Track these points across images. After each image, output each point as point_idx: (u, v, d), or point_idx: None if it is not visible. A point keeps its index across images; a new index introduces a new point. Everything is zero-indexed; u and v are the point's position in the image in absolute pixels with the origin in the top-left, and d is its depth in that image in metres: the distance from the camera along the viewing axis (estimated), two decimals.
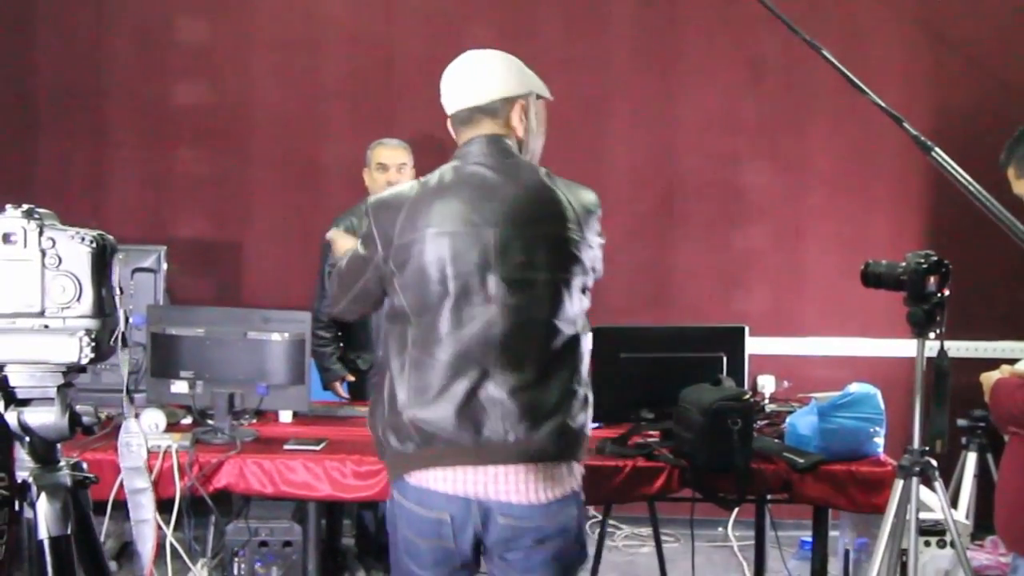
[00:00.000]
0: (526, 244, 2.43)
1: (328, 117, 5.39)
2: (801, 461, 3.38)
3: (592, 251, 2.54)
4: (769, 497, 3.67)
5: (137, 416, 3.60)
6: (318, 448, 3.48)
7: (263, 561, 3.73)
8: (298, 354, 3.65)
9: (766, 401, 4.15)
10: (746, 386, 3.82)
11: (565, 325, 2.46)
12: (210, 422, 3.63)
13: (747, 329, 3.85)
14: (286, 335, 3.64)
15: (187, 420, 3.80)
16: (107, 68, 5.42)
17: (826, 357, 5.52)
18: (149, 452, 3.29)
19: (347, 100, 5.43)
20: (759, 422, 3.85)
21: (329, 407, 4.28)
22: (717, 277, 5.57)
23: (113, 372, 3.78)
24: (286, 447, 3.49)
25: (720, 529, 5.37)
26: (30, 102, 5.41)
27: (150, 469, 3.28)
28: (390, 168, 4.48)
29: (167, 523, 3.29)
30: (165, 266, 3.88)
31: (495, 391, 2.37)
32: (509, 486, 2.38)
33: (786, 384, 5.42)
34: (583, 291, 2.52)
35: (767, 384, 5.41)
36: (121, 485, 3.28)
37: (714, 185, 5.56)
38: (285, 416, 3.97)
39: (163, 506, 3.31)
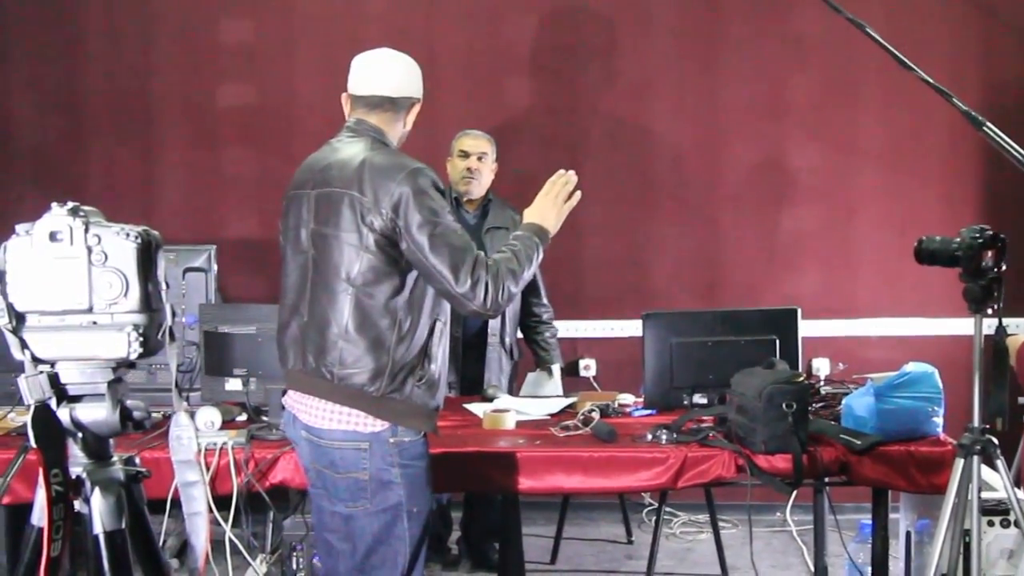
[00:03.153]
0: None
1: None
2: (859, 443, 3.32)
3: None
4: (827, 480, 3.63)
5: (192, 415, 3.65)
6: None
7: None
8: None
9: (821, 383, 4.09)
10: (800, 369, 3.77)
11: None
12: (265, 418, 3.65)
13: (799, 311, 3.80)
14: None
15: (242, 417, 3.82)
16: (154, 71, 5.47)
17: (881, 338, 5.45)
18: (206, 450, 3.35)
19: None
20: (814, 405, 3.80)
21: None
22: (768, 260, 5.51)
23: (167, 371, 3.82)
24: None
25: (778, 514, 5.32)
26: (80, 106, 5.47)
27: (207, 466, 3.32)
28: (471, 156, 4.53)
29: (225, 519, 3.32)
30: (215, 265, 3.91)
31: None
32: None
33: (841, 366, 5.33)
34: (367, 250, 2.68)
35: (822, 366, 5.31)
36: None
37: (762, 167, 5.50)
38: None
39: (221, 503, 3.33)
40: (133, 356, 2.04)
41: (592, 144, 5.45)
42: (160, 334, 2.09)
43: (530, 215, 2.93)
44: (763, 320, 3.79)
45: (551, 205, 2.93)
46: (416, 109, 2.95)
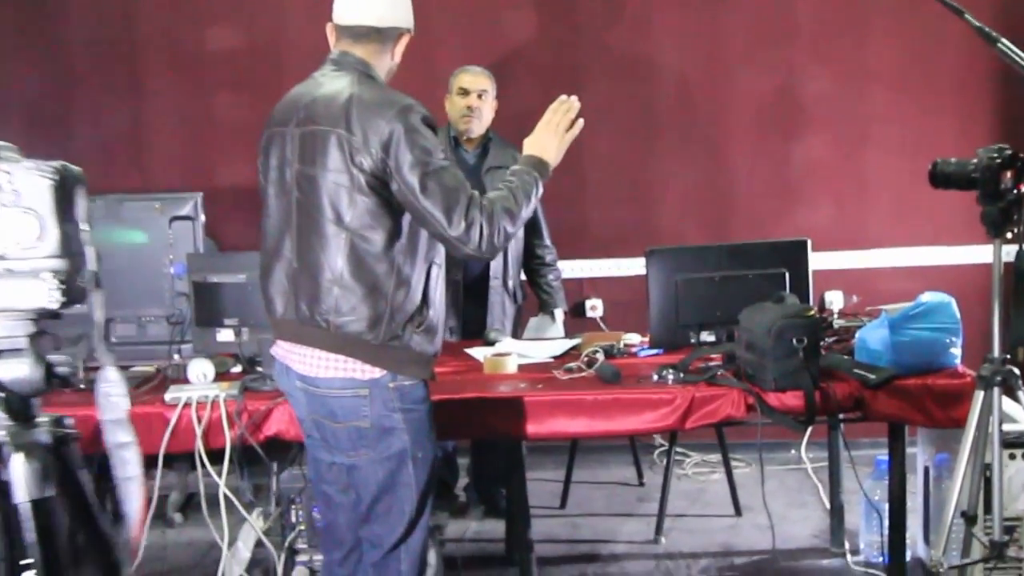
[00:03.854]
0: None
1: None
2: (873, 377, 3.20)
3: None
4: (841, 417, 3.51)
5: (184, 367, 3.55)
6: None
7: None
8: None
9: (835, 317, 3.95)
10: (811, 303, 3.64)
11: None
12: (259, 369, 3.54)
13: (809, 243, 3.66)
14: None
15: (237, 368, 3.72)
16: (141, 15, 5.29)
17: (896, 268, 5.30)
18: (197, 403, 3.24)
19: None
20: (827, 339, 3.67)
21: None
22: (777, 192, 5.35)
23: (158, 324, 3.72)
24: None
25: (792, 452, 5.21)
26: (65, 54, 5.29)
27: (199, 419, 3.21)
28: (471, 93, 4.37)
29: (219, 474, 3.23)
30: (203, 214, 3.78)
31: None
32: None
33: (855, 299, 5.19)
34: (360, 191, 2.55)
35: (835, 300, 5.16)
36: (174, 440, 3.26)
37: (768, 96, 5.32)
38: None
39: (216, 457, 3.24)
40: (54, 306, 1.86)
41: (594, 77, 5.26)
42: (82, 281, 1.91)
43: (529, 146, 2.79)
44: (771, 253, 3.64)
45: (552, 135, 2.78)
46: (405, 40, 2.79)
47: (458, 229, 2.54)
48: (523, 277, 4.60)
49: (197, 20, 5.29)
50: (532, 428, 3.23)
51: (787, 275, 3.58)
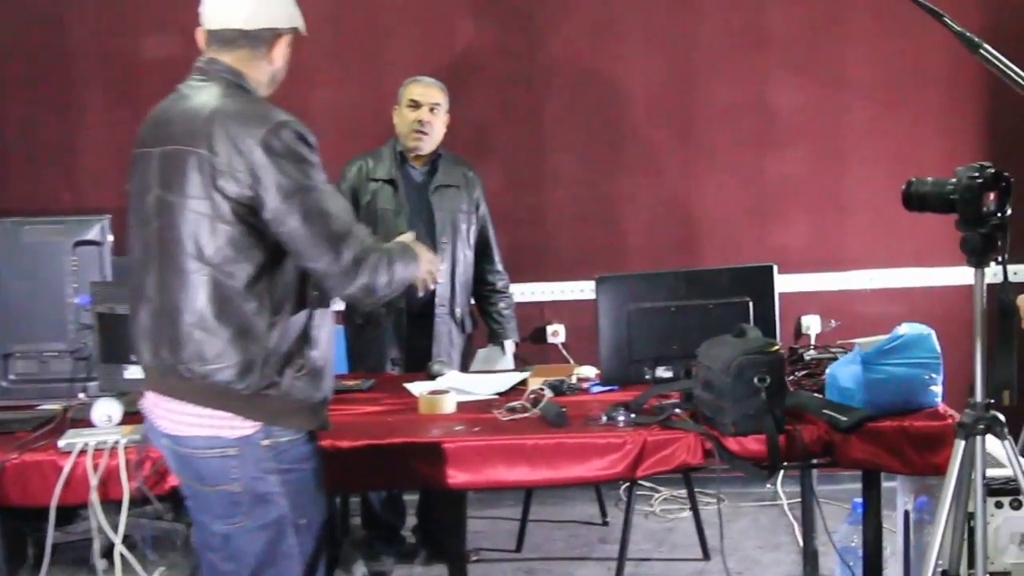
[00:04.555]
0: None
1: (311, 61, 4.90)
2: (844, 419, 2.89)
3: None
4: (814, 462, 3.19)
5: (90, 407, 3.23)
6: None
7: None
8: None
9: (809, 349, 3.63)
10: (778, 334, 3.32)
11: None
12: None
13: (775, 268, 3.35)
14: None
15: None
16: (70, 20, 4.96)
17: (877, 291, 4.99)
18: (95, 450, 2.91)
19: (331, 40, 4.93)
20: (796, 374, 3.36)
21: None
22: (749, 211, 5.03)
23: (61, 360, 3.40)
24: None
25: (768, 485, 4.88)
26: None
27: (95, 467, 2.88)
28: (422, 106, 4.02)
29: (114, 529, 2.90)
30: (110, 237, 3.44)
31: None
32: None
33: (833, 324, 4.94)
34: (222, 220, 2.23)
35: (812, 325, 4.91)
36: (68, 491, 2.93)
37: (740, 108, 5.00)
38: None
39: (115, 509, 2.91)
40: None
41: (553, 89, 4.95)
42: None
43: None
44: (734, 280, 3.31)
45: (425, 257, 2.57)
46: (284, 41, 2.45)
47: (342, 263, 2.24)
48: (473, 303, 4.27)
49: (133, 27, 4.96)
50: (465, 477, 2.91)
51: (751, 304, 3.26)
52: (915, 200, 2.56)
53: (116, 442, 2.94)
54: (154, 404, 2.41)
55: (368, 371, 4.00)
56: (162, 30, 4.90)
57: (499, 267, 4.26)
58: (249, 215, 2.23)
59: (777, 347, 2.93)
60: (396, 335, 4.04)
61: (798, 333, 4.89)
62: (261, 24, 2.39)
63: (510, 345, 4.24)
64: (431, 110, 4.04)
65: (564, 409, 3.09)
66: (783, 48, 4.96)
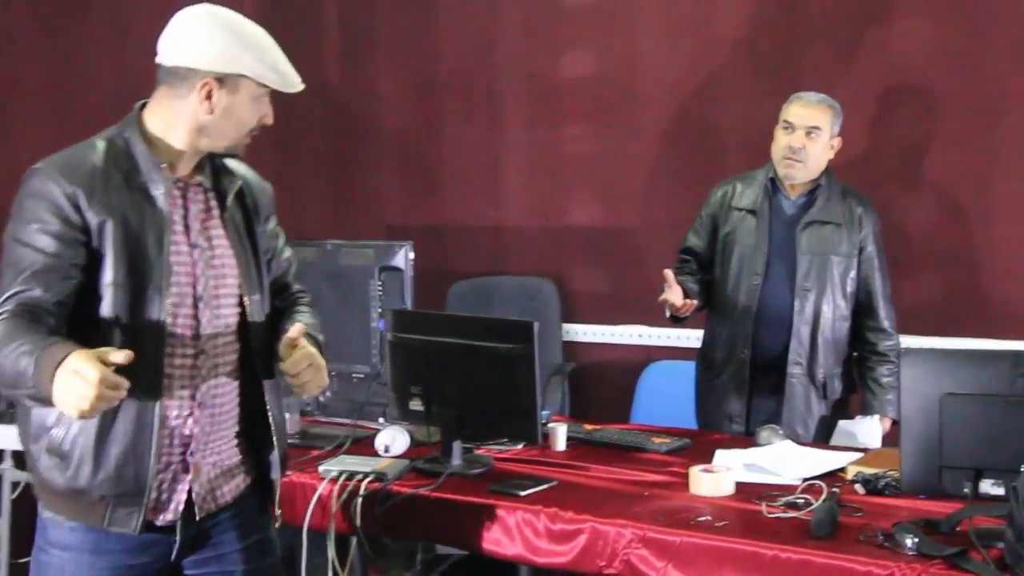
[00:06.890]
0: None
1: (723, 73, 4.47)
2: None
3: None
4: None
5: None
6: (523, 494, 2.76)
7: None
8: None
9: None
10: None
11: None
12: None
13: None
14: None
15: None
16: (496, 41, 5.00)
17: None
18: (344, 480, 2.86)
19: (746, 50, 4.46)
20: None
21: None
22: None
23: (368, 382, 3.41)
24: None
25: None
26: (434, 87, 5.16)
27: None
28: (797, 129, 3.46)
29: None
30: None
31: None
32: None
33: None
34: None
35: None
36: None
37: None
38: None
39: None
40: None
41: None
42: None
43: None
44: None
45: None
46: (209, 89, 2.09)
47: None
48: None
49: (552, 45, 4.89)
50: None
51: None
52: None
53: (362, 475, 2.87)
54: None
55: (704, 425, 3.56)
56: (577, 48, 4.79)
57: (884, 324, 3.52)
58: None
59: None
60: (735, 388, 3.52)
61: None
62: (186, 62, 2.10)
63: (881, 422, 3.48)
64: (808, 134, 3.45)
65: (839, 516, 2.45)
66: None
